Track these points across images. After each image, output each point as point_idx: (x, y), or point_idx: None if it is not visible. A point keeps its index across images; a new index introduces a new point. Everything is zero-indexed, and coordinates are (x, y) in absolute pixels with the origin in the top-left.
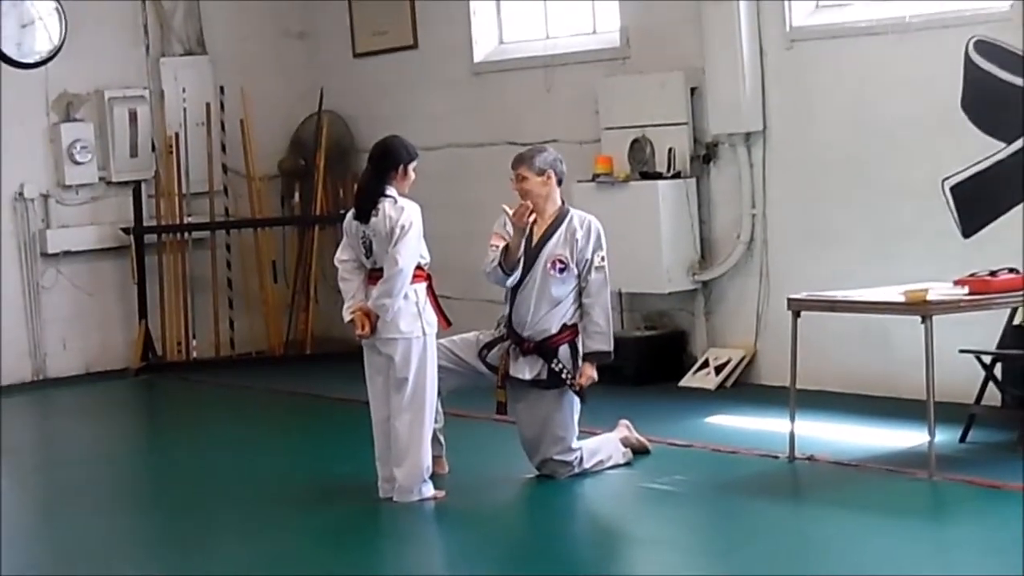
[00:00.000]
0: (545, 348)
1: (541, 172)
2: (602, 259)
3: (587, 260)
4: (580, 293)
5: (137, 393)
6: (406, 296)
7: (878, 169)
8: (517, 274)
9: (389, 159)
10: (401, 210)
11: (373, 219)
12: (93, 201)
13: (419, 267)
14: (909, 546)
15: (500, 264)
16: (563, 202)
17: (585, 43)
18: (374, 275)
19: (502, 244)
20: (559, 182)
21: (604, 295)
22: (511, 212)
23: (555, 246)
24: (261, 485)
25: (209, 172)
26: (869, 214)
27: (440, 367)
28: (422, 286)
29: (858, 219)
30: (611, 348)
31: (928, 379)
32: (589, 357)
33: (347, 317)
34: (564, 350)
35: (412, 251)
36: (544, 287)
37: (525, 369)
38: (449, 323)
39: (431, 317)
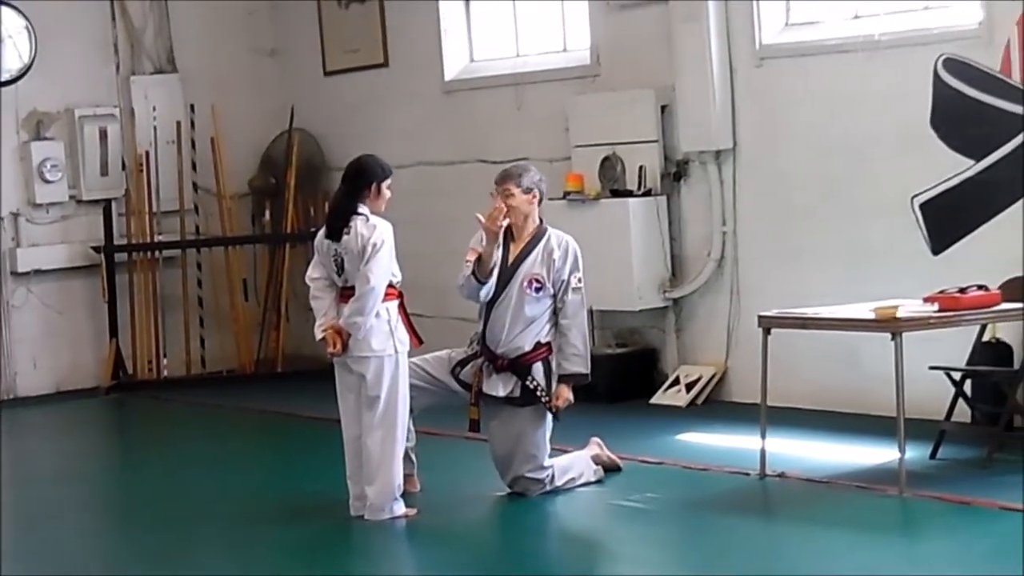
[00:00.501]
0: (519, 365)
1: (528, 190)
2: (579, 280)
3: (563, 281)
4: (555, 312)
5: (108, 412)
6: (378, 314)
7: (848, 186)
8: (491, 285)
9: (362, 177)
10: (373, 228)
11: (345, 237)
12: (63, 220)
13: (391, 285)
14: (880, 562)
15: (474, 273)
16: (541, 221)
17: (555, 61)
18: (346, 293)
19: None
20: (540, 201)
21: (581, 317)
22: (483, 218)
23: (532, 265)
24: (233, 503)
25: (180, 190)
26: (839, 231)
27: (412, 385)
28: (394, 304)
29: (828, 236)
30: (588, 370)
31: (898, 396)
32: (566, 379)
33: (319, 335)
34: (538, 367)
35: (384, 269)
36: (519, 305)
37: (499, 386)
38: (421, 341)
39: (403, 335)
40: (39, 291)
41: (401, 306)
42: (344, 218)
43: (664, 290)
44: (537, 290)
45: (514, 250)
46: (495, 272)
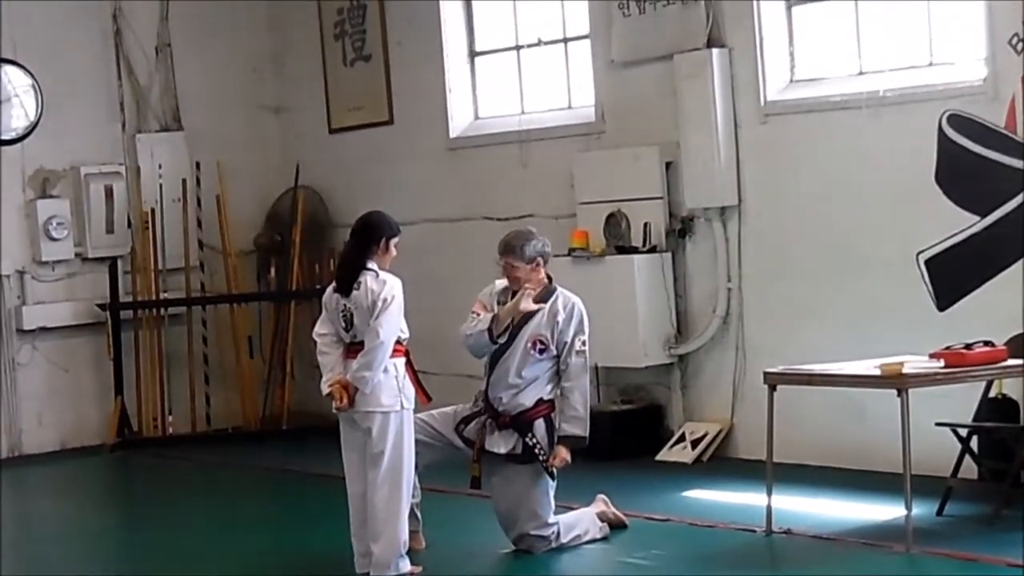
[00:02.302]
0: (521, 422)
1: (530, 260)
2: (583, 343)
3: (567, 343)
4: (558, 371)
5: (113, 469)
6: (385, 370)
7: (853, 242)
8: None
9: (371, 233)
10: (383, 283)
11: (355, 292)
12: (69, 277)
13: (398, 342)
14: None
15: (490, 328)
16: (550, 279)
17: (560, 118)
18: (353, 349)
19: (484, 314)
20: (545, 263)
21: (583, 380)
22: (524, 301)
23: (537, 325)
24: (238, 562)
25: (185, 247)
26: (844, 287)
27: (417, 441)
28: (401, 361)
29: (833, 292)
30: (586, 434)
31: (905, 452)
32: (564, 441)
33: (325, 390)
34: (540, 425)
35: (393, 324)
36: (522, 364)
37: (500, 443)
38: (429, 398)
39: (410, 392)
40: (44, 348)
41: (408, 363)
42: (354, 273)
43: (669, 347)
44: (541, 351)
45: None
46: (507, 333)
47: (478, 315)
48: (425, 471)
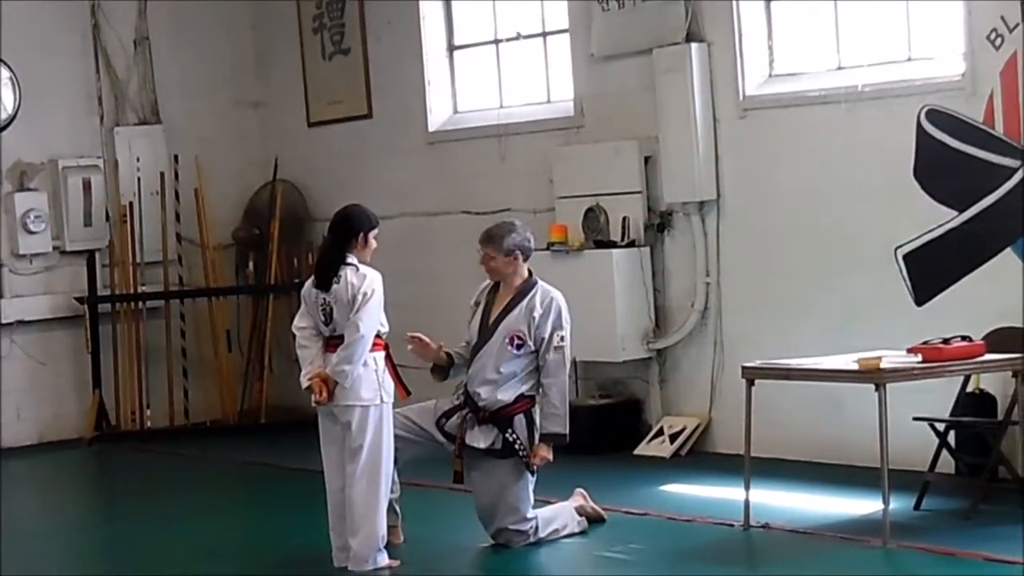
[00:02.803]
0: (501, 417)
1: (508, 253)
2: (561, 339)
3: (544, 339)
4: (539, 367)
5: (91, 463)
6: (365, 364)
7: (831, 237)
8: (455, 373)
9: (350, 227)
10: (363, 277)
11: (334, 286)
12: (47, 270)
13: (378, 336)
14: None
15: (432, 372)
16: (531, 274)
17: (539, 112)
18: (332, 342)
19: (477, 310)
20: (526, 259)
21: (562, 376)
22: (412, 344)
23: (514, 320)
24: (216, 555)
25: (163, 241)
26: (823, 282)
27: (398, 436)
28: (381, 355)
29: (812, 287)
30: (567, 431)
31: (882, 447)
32: (544, 438)
33: (305, 383)
34: (519, 420)
35: (374, 318)
36: (500, 360)
37: (480, 438)
38: (408, 392)
39: (389, 386)
40: (22, 342)
41: (388, 357)
42: (333, 267)
43: (648, 341)
44: (518, 347)
45: (499, 304)
46: (451, 367)
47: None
48: (405, 466)
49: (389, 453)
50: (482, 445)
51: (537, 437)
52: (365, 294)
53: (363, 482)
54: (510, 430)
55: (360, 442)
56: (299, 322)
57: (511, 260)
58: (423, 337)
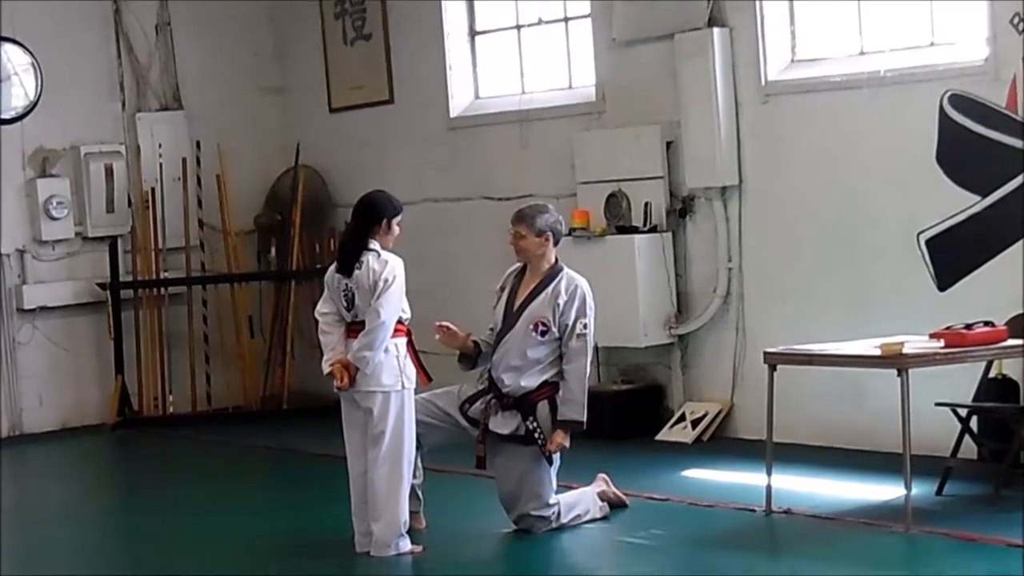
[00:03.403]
0: (524, 404)
1: (540, 233)
2: (584, 327)
3: (568, 325)
4: (562, 354)
5: (113, 449)
6: (386, 350)
7: (854, 222)
8: (482, 362)
9: (373, 213)
10: (385, 263)
11: (356, 272)
12: (69, 256)
13: (400, 322)
14: None
15: (459, 361)
16: (556, 260)
17: (561, 98)
18: (354, 328)
19: (502, 295)
20: (556, 242)
21: (582, 363)
22: (440, 333)
23: (539, 307)
24: (238, 540)
25: (185, 227)
26: (845, 267)
27: (422, 422)
28: (402, 340)
29: (834, 272)
30: (584, 419)
31: (904, 432)
32: (561, 425)
33: (326, 369)
34: (543, 407)
35: (395, 304)
36: (524, 346)
37: (504, 424)
38: (430, 378)
39: (411, 372)
40: (45, 328)
41: (410, 343)
42: (355, 253)
43: (670, 327)
44: (542, 333)
45: (524, 290)
46: (479, 356)
47: (499, 299)
48: (430, 452)
49: (411, 439)
50: (505, 431)
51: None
52: (386, 280)
53: (385, 467)
54: (532, 418)
55: (382, 428)
56: (322, 307)
57: (542, 241)
58: (450, 325)
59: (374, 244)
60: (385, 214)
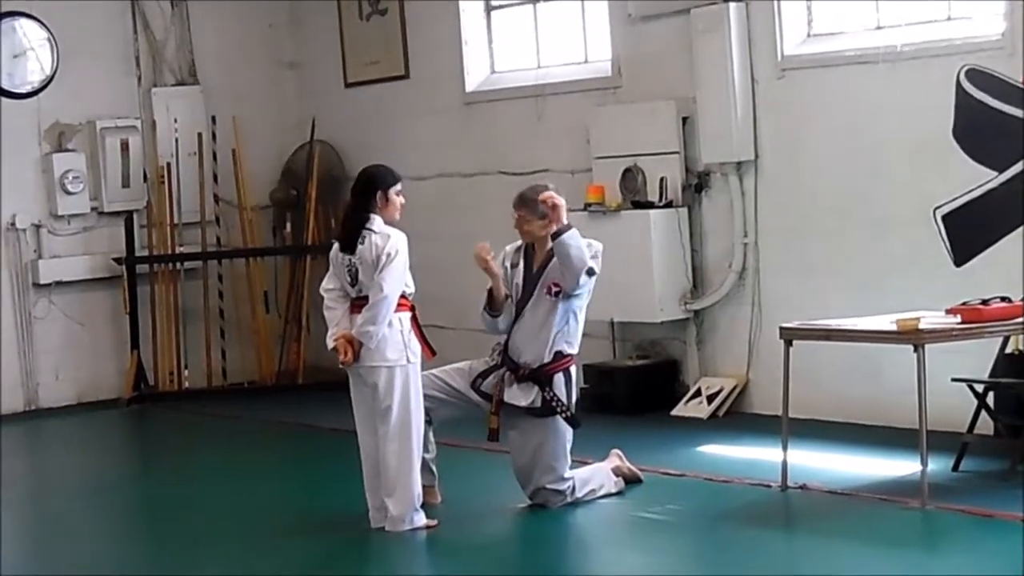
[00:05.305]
0: (541, 376)
1: (543, 216)
2: (595, 255)
3: None
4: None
5: (129, 423)
6: (390, 324)
7: (870, 198)
8: (505, 319)
9: (370, 187)
10: (387, 238)
11: (359, 247)
12: (85, 231)
13: (404, 296)
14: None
15: (486, 309)
16: (570, 226)
17: (576, 72)
18: (358, 304)
19: (518, 269)
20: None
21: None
22: (482, 256)
23: (551, 270)
24: (252, 515)
25: (201, 202)
26: (861, 243)
27: (432, 397)
28: (406, 315)
29: (850, 247)
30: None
31: (921, 408)
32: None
33: (331, 344)
34: (559, 379)
35: (398, 279)
36: (540, 313)
37: (520, 396)
38: (433, 352)
39: (415, 346)
40: (61, 303)
41: (414, 318)
42: (357, 229)
43: (685, 302)
44: (556, 295)
45: (539, 257)
46: (509, 306)
47: (514, 272)
48: (441, 426)
49: (419, 413)
50: (523, 403)
51: (575, 395)
52: (389, 255)
53: (395, 443)
54: (549, 389)
55: (388, 403)
56: (327, 284)
57: (545, 224)
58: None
59: (376, 218)
60: (379, 186)
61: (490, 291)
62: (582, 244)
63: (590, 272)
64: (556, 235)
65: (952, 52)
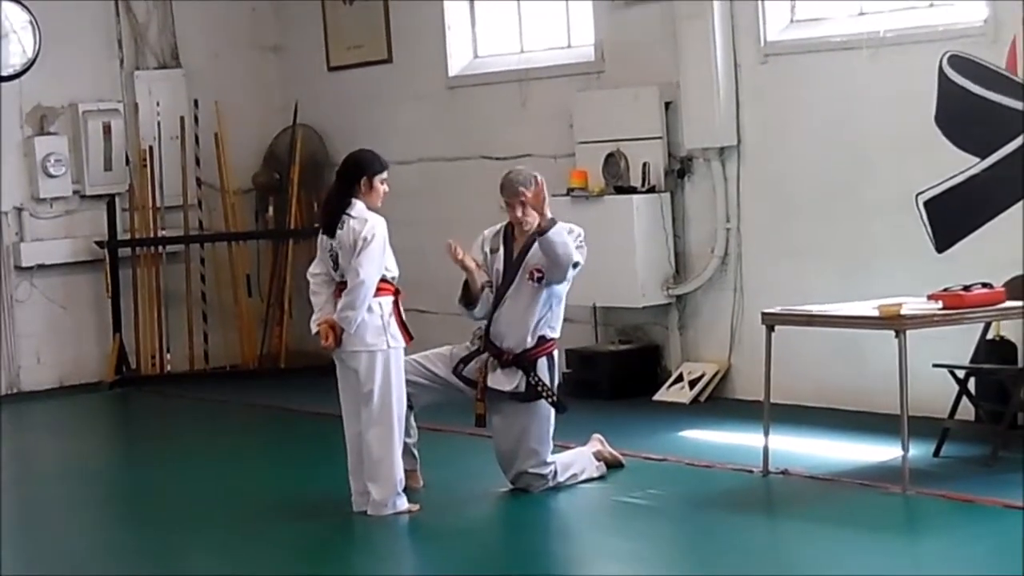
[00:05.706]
0: (524, 360)
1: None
2: (580, 240)
3: None
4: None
5: (111, 407)
6: (370, 309)
7: (852, 184)
8: (481, 308)
9: (354, 171)
10: (364, 222)
11: (339, 232)
12: (67, 214)
13: (386, 281)
14: (883, 561)
15: (461, 300)
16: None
17: (559, 57)
18: (341, 288)
19: (497, 254)
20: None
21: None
22: (456, 254)
23: (533, 256)
24: (235, 499)
25: (183, 186)
26: (843, 228)
27: (413, 383)
28: (388, 299)
29: (832, 233)
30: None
31: (902, 393)
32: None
33: (314, 329)
34: (542, 363)
35: (375, 263)
36: (521, 298)
37: (504, 381)
38: (411, 337)
39: (396, 331)
40: (42, 286)
41: (395, 302)
42: (337, 213)
43: (668, 287)
44: (539, 280)
45: (518, 243)
46: (483, 294)
47: (494, 258)
48: (423, 411)
49: (400, 397)
50: (507, 388)
51: (558, 379)
52: (365, 239)
53: (377, 427)
54: (533, 374)
55: (369, 387)
56: (313, 268)
57: (538, 190)
58: (459, 250)
59: (356, 204)
60: (364, 172)
61: (465, 283)
62: (568, 240)
63: (575, 264)
64: (541, 232)
65: (935, 38)
